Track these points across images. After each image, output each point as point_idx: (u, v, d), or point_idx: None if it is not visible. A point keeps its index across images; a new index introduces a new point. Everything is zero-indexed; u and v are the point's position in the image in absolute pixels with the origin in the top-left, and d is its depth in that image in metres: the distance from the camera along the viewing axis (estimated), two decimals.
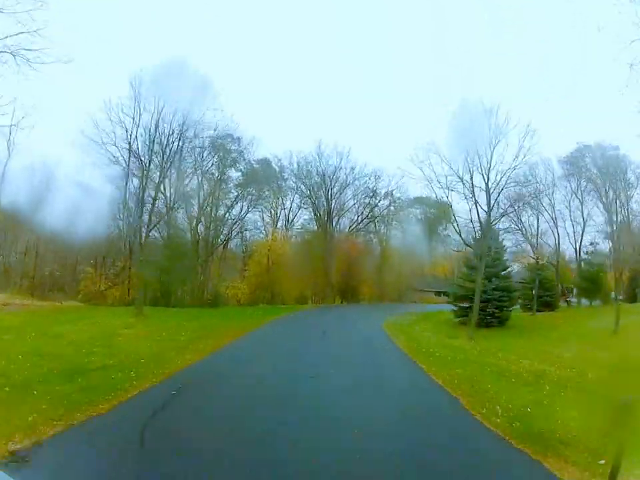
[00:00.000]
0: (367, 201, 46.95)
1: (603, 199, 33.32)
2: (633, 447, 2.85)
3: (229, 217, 40.64)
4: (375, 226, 51.13)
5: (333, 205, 44.81)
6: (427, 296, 51.98)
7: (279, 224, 47.89)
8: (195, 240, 38.72)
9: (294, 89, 73.10)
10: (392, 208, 48.18)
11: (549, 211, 37.34)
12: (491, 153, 24.10)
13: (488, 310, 25.00)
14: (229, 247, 44.03)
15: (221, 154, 40.73)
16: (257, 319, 24.88)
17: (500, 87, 65.56)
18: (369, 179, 46.08)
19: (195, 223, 39.40)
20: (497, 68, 58.27)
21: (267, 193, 43.57)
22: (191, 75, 31.27)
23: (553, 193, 35.87)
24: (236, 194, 42.47)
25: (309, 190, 45.46)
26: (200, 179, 39.57)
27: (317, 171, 44.73)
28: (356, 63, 72.83)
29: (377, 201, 47.25)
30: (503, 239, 29.26)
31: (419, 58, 73.75)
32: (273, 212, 47.99)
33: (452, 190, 25.29)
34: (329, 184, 44.40)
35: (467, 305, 26.03)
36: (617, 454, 2.55)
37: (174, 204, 38.94)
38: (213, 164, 39.57)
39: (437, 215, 66.95)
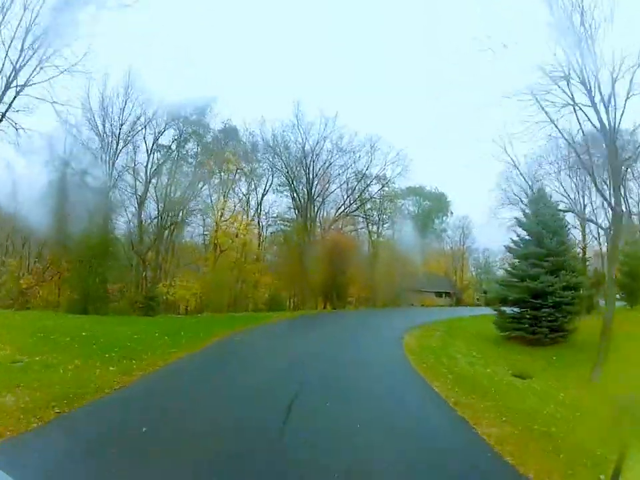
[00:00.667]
0: (354, 185, 38.02)
1: None
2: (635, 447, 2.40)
3: (185, 198, 31.56)
4: (366, 216, 42.58)
5: (315, 186, 35.95)
6: (426, 297, 43.71)
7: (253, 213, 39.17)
8: (139, 229, 29.76)
9: (270, 56, 63.81)
10: (385, 190, 39.43)
11: None
12: None
13: (550, 319, 16.67)
14: (188, 237, 35.05)
15: (180, 124, 32.08)
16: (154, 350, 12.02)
17: None
18: (360, 155, 37.06)
19: (137, 205, 30.33)
20: None
21: (233, 170, 34.54)
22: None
23: None
24: (194, 171, 33.51)
25: (286, 167, 36.46)
26: (152, 153, 30.77)
27: (296, 141, 35.66)
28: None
29: (369, 182, 38.42)
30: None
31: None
32: (243, 196, 39.23)
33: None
34: (310, 158, 35.47)
35: (517, 311, 17.70)
36: (619, 456, 2.40)
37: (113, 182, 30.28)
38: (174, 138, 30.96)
39: (431, 207, 59.91)
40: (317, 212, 36.13)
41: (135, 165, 30.50)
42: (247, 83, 55.86)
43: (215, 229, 34.02)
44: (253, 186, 39.04)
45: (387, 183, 38.27)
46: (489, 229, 68.85)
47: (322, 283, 43.04)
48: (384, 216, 45.02)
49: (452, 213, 57.68)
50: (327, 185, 36.12)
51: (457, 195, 61.75)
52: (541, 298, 17.06)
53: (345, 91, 59.29)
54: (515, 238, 20.21)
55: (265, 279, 38.30)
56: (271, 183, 38.17)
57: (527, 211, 20.38)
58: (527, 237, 19.24)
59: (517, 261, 19.60)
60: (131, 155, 30.16)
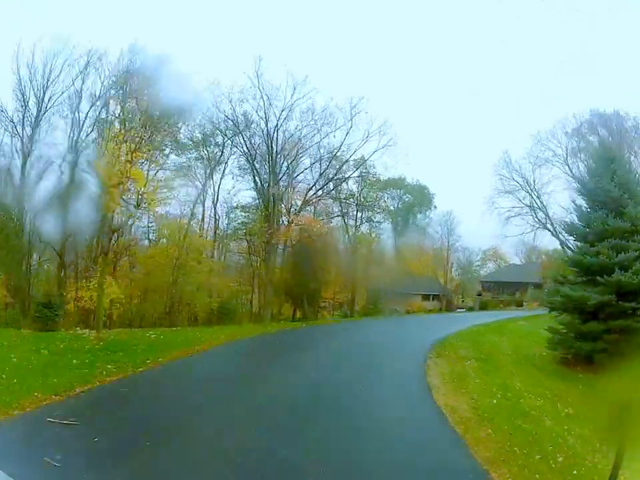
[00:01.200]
0: (329, 160, 30.90)
1: None
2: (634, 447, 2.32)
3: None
4: (341, 205, 35.83)
5: (280, 164, 28.77)
6: (411, 300, 37.28)
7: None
8: None
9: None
10: (365, 173, 32.77)
11: None
12: None
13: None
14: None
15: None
16: None
17: None
18: (336, 125, 29.90)
19: None
20: None
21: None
22: None
23: None
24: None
25: (246, 144, 29.19)
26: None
27: (257, 106, 28.27)
28: None
29: (348, 157, 31.48)
30: None
31: None
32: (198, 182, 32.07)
33: None
34: (274, 126, 28.17)
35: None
36: (618, 455, 2.35)
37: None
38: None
39: (413, 201, 53.80)
40: (283, 196, 28.89)
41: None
42: (201, 40, 46.17)
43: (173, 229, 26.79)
44: (209, 171, 31.93)
45: (366, 161, 31.19)
46: (475, 226, 63.36)
47: (289, 285, 36.18)
48: (362, 207, 38.37)
49: (435, 207, 51.47)
50: (295, 161, 28.96)
51: (440, 189, 55.78)
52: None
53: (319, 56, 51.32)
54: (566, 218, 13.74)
55: (218, 281, 30.95)
56: (227, 159, 31.07)
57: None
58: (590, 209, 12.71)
59: (585, 244, 12.89)
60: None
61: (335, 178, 29.74)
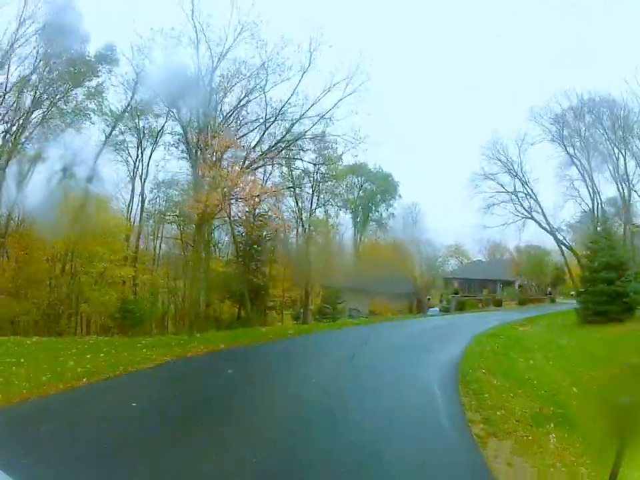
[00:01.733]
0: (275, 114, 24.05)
1: None
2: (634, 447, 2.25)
3: None
4: (293, 184, 29.98)
5: (217, 124, 22.17)
6: (378, 300, 31.81)
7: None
8: None
9: None
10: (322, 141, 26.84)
11: None
12: None
13: None
14: None
15: None
16: None
17: None
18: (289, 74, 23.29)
19: None
20: None
21: None
22: None
23: None
24: None
25: (174, 102, 22.53)
26: None
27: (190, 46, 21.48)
28: None
29: (304, 112, 24.92)
30: None
31: None
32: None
33: None
34: (209, 77, 21.59)
35: None
36: (618, 455, 2.26)
37: None
38: None
39: (376, 189, 48.74)
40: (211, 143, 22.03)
41: None
42: None
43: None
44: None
45: (326, 113, 24.68)
46: (439, 220, 58.86)
47: (229, 279, 30.00)
48: (319, 185, 32.59)
49: (400, 196, 46.32)
50: (236, 115, 22.37)
51: (404, 178, 50.77)
52: None
53: None
54: None
55: (141, 276, 24.49)
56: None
57: None
58: None
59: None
60: None
61: (284, 140, 23.01)
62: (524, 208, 29.27)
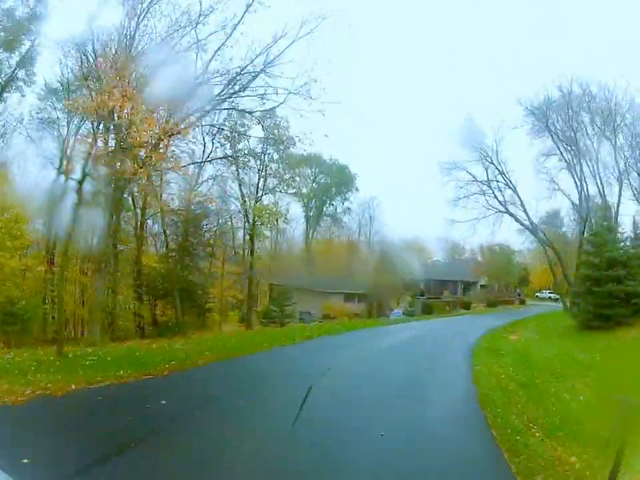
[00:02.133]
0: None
1: None
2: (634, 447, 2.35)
3: None
4: (234, 156, 25.50)
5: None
6: (330, 301, 27.86)
7: None
8: None
9: None
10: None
11: None
12: None
13: None
14: None
15: None
16: None
17: None
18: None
19: None
20: None
21: None
22: None
23: None
24: None
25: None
26: None
27: None
28: None
29: (244, 67, 20.14)
30: None
31: None
32: None
33: None
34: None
35: None
36: (617, 454, 2.36)
37: None
38: None
39: (331, 182, 45.11)
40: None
41: None
42: None
43: None
44: None
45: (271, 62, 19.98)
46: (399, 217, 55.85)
47: (156, 276, 25.36)
48: (267, 173, 28.32)
49: (357, 189, 42.63)
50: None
51: (363, 170, 47.11)
52: None
53: None
54: None
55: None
56: None
57: None
58: None
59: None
60: None
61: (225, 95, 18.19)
62: (498, 201, 26.11)
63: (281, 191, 27.35)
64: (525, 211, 25.33)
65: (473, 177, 26.92)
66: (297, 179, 43.03)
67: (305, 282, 29.57)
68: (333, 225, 43.90)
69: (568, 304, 23.56)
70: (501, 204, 25.94)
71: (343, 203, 41.88)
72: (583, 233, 24.08)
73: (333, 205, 42.08)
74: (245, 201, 27.40)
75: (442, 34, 42.65)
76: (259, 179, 28.21)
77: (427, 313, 27.22)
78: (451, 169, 26.90)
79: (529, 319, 20.84)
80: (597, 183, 24.16)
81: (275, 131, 25.19)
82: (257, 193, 27.56)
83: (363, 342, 14.67)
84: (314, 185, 43.52)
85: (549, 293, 37.79)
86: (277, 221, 27.18)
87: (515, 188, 25.64)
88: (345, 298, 27.86)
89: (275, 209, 26.25)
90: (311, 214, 43.02)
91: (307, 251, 42.00)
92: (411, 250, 43.52)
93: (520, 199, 25.56)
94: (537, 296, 36.96)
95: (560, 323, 17.71)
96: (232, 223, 29.07)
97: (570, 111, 24.20)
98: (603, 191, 24.29)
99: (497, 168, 25.74)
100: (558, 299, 37.76)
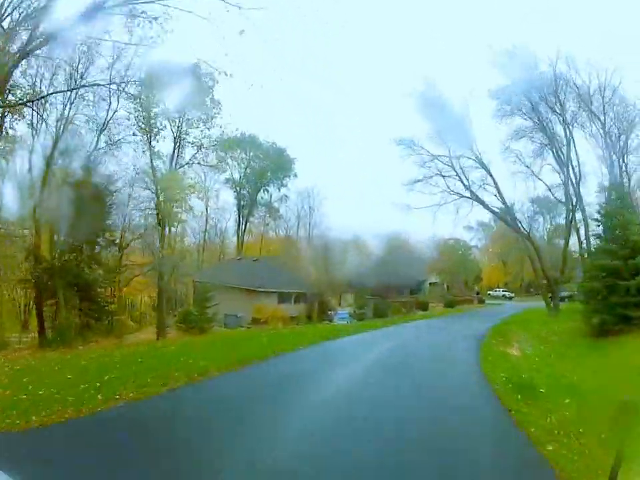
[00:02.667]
0: None
1: None
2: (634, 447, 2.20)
3: None
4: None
5: None
6: (265, 303, 22.73)
7: None
8: None
9: None
10: None
11: None
12: None
13: None
14: None
15: None
16: None
17: None
18: None
19: None
20: None
21: None
22: None
23: None
24: None
25: None
26: None
27: None
28: None
29: None
30: None
31: None
32: None
33: None
34: None
35: None
36: (617, 455, 2.20)
37: None
38: None
39: (266, 166, 40.33)
40: None
41: None
42: None
43: None
44: None
45: None
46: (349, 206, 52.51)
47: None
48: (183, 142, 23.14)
49: (296, 175, 37.87)
50: None
51: (303, 155, 42.27)
52: None
53: None
54: None
55: None
56: None
57: None
58: None
59: None
60: None
61: None
62: (463, 184, 22.25)
63: (199, 163, 22.01)
64: (499, 194, 21.64)
65: (432, 155, 22.92)
66: (229, 161, 37.83)
67: (233, 279, 24.40)
68: (269, 216, 38.97)
69: (552, 303, 20.34)
70: (466, 187, 22.09)
71: (279, 190, 37.07)
72: (571, 222, 21.31)
73: (267, 190, 37.13)
74: (155, 175, 21.76)
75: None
76: (174, 149, 22.77)
77: (379, 315, 22.80)
78: (409, 146, 22.79)
79: (508, 322, 16.98)
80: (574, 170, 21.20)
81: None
82: (171, 163, 22.05)
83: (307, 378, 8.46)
84: (247, 170, 38.46)
85: (503, 291, 35.13)
86: (188, 196, 21.77)
87: (488, 169, 21.87)
88: (279, 298, 22.89)
89: (187, 181, 20.91)
90: (244, 203, 37.83)
91: (238, 242, 36.76)
92: (356, 244, 39.43)
93: (494, 180, 21.86)
94: (489, 294, 34.05)
95: (555, 327, 14.09)
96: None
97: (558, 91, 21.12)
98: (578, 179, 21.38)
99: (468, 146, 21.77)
100: (512, 297, 35.36)
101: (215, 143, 24.25)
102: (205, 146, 21.72)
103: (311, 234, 37.47)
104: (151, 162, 21.64)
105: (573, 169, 20.97)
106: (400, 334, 15.98)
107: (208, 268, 33.07)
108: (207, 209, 31.97)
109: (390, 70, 39.59)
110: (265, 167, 38.16)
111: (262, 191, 37.13)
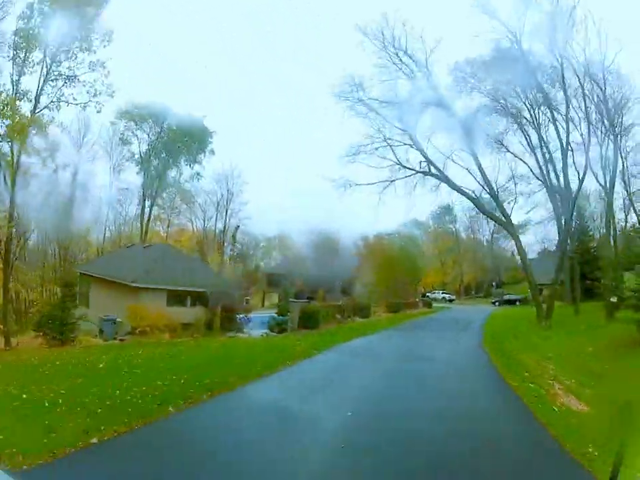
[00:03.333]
0: None
1: None
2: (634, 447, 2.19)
3: None
4: None
5: None
6: (148, 304, 16.79)
7: None
8: None
9: None
10: None
11: None
12: None
13: None
14: None
15: None
16: None
17: None
18: None
19: None
20: None
21: None
22: None
23: None
24: None
25: None
26: None
27: None
28: None
29: None
30: None
31: None
32: None
33: None
34: None
35: None
36: (618, 455, 2.20)
37: None
38: None
39: (178, 138, 34.33)
40: None
41: None
42: None
43: None
44: None
45: None
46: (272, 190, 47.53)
47: None
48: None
49: (213, 151, 32.01)
50: None
51: (222, 133, 36.37)
52: None
53: None
54: None
55: None
56: None
57: None
58: None
59: None
60: None
61: None
62: (424, 157, 18.06)
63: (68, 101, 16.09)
64: (480, 170, 17.80)
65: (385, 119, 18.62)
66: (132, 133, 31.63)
67: (113, 271, 18.48)
68: (179, 197, 32.70)
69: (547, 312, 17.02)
70: (427, 160, 17.93)
71: (191, 166, 30.93)
72: (572, 215, 19.18)
73: (177, 165, 30.97)
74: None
75: None
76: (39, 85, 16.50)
77: (308, 325, 17.24)
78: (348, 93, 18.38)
79: (500, 335, 12.86)
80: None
81: None
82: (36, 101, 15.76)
83: None
84: (158, 142, 32.07)
85: (442, 292, 31.81)
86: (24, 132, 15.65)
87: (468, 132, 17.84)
88: (169, 298, 17.17)
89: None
90: (149, 178, 31.29)
91: (142, 230, 30.30)
92: (277, 239, 34.47)
93: (474, 153, 17.98)
94: (427, 296, 30.44)
95: (570, 349, 10.01)
96: None
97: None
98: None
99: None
100: (453, 299, 32.20)
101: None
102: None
103: (227, 222, 31.83)
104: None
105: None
106: (334, 391, 7.83)
107: (97, 259, 26.47)
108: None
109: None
110: (176, 139, 32.05)
111: (171, 165, 31.04)
